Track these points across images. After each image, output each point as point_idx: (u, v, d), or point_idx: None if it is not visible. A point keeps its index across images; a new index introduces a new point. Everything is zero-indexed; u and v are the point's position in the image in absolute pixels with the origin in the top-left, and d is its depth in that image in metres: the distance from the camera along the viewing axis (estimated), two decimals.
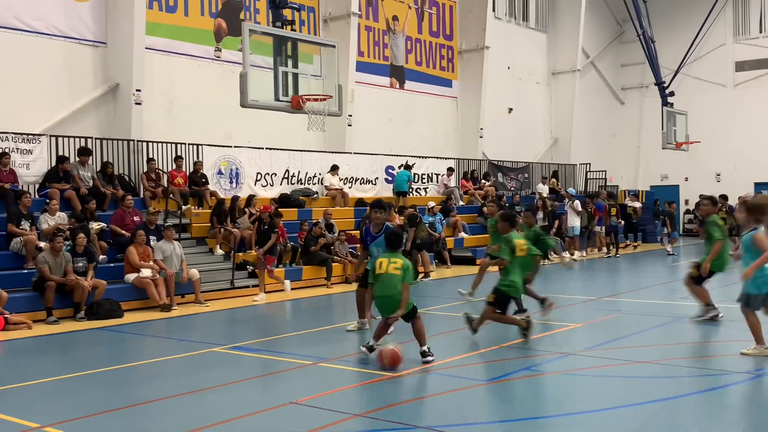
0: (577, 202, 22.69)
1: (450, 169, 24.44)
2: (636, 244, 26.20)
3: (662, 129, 27.12)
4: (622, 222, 24.91)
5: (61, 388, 7.89)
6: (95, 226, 14.21)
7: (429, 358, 8.46)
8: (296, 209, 19.05)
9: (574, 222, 22.50)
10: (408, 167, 22.54)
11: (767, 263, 8.06)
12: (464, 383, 7.74)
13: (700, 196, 13.00)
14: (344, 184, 21.36)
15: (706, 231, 10.61)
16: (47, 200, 14.12)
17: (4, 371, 9.06)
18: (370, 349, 8.68)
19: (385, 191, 22.55)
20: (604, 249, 23.83)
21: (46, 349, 10.30)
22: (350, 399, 7.26)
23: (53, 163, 15.37)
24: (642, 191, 31.05)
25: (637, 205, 26.22)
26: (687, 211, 33.30)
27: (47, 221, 13.72)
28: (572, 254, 22.25)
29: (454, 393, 7.40)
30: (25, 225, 13.42)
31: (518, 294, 10.27)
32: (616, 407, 6.84)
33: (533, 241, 11.46)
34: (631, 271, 20.10)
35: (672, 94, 27.87)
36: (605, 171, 30.87)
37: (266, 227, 15.00)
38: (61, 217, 13.97)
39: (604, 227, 23.89)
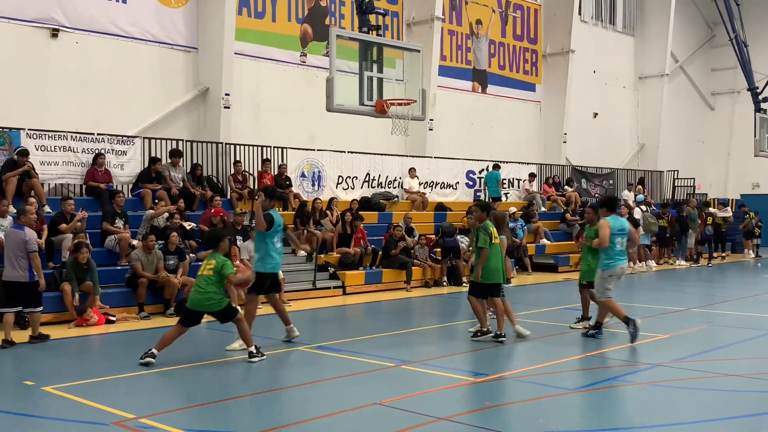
0: (637, 210, 21.90)
1: (532, 175, 24.17)
2: (725, 254, 25.32)
3: (755, 136, 26.18)
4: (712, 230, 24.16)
5: (154, 381, 8.17)
6: (186, 225, 14.65)
7: (256, 359, 8.87)
8: (377, 212, 19.21)
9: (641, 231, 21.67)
10: (497, 167, 22.44)
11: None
12: (549, 391, 7.66)
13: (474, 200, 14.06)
14: (424, 188, 21.39)
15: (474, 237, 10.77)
16: (156, 201, 14.61)
17: (101, 364, 9.46)
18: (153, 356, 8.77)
19: (466, 196, 22.47)
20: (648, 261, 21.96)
21: (139, 344, 10.62)
22: (434, 402, 7.28)
23: (146, 164, 15.91)
24: (732, 200, 30.00)
25: (728, 214, 25.38)
26: None
27: (156, 221, 14.19)
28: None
29: (539, 401, 7.33)
30: (119, 223, 13.94)
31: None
32: (705, 420, 6.66)
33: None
34: (721, 281, 19.45)
35: (765, 99, 26.84)
36: (694, 178, 29.97)
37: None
38: (163, 217, 14.45)
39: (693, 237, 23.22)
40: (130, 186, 15.86)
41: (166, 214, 14.47)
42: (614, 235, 10.13)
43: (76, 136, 15.14)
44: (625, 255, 10.35)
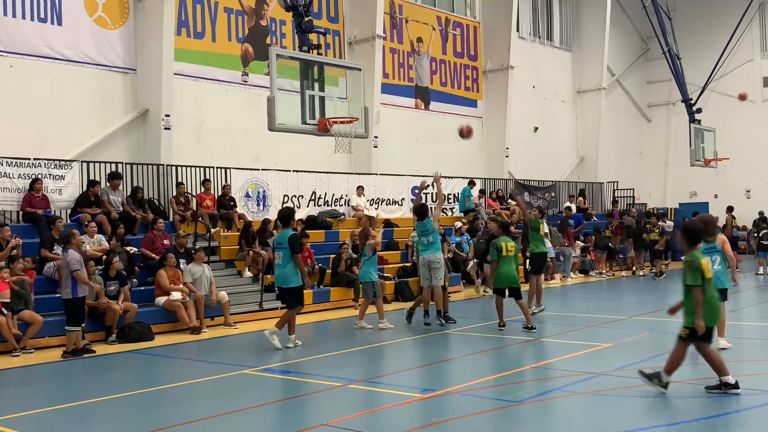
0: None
1: (481, 191, 24.47)
2: (666, 263, 25.84)
3: (690, 146, 26.87)
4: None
5: (95, 412, 7.98)
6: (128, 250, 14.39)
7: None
8: (323, 231, 19.16)
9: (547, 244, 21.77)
10: (472, 184, 23.53)
11: None
12: (494, 404, 7.71)
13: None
14: (371, 205, 21.43)
15: None
16: (86, 223, 14.33)
17: (38, 394, 9.20)
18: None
19: (411, 212, 22.53)
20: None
21: (79, 372, 10.41)
22: (381, 420, 7.27)
23: (85, 189, 15.60)
24: (671, 209, 30.76)
25: (668, 227, 25.71)
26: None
27: (86, 243, 13.90)
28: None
29: (486, 414, 7.37)
30: (58, 250, 13.61)
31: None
32: (646, 428, 6.78)
33: None
34: (661, 289, 19.88)
35: (699, 110, 27.61)
36: (633, 189, 30.67)
37: None
38: (98, 240, 14.16)
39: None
40: (69, 211, 15.52)
41: (101, 238, 14.21)
42: None
43: (12, 162, 14.76)
44: None
